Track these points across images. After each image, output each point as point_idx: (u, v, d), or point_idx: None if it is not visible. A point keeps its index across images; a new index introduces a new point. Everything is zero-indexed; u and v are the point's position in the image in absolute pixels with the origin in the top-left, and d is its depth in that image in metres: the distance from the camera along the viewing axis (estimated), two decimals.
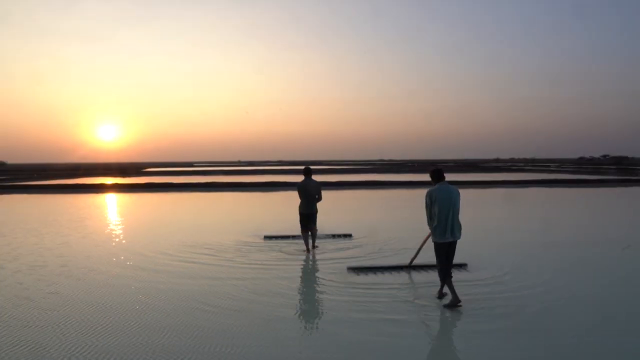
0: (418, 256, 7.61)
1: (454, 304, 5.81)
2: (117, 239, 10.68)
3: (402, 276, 7.28)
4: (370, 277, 7.18)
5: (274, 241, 10.03)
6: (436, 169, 6.26)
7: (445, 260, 6.05)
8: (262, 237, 10.38)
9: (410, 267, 7.65)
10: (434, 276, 6.86)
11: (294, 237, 10.24)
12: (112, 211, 17.32)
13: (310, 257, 8.62)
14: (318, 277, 7.26)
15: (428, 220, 6.15)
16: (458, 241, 6.04)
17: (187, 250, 9.10)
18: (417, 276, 7.26)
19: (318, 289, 6.72)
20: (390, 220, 13.83)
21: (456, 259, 6.23)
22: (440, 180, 6.17)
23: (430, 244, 6.31)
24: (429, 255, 6.85)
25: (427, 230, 6.38)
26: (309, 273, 7.70)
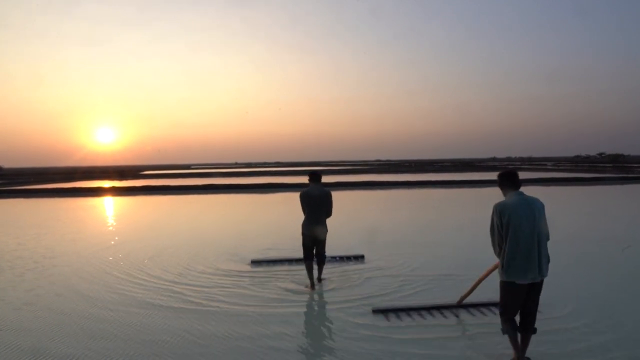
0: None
1: None
2: (57, 256, 7.62)
3: (450, 321, 4.45)
4: (405, 322, 4.47)
5: (264, 268, 6.97)
6: (508, 172, 3.56)
7: (519, 308, 3.53)
8: (249, 262, 7.29)
9: (459, 307, 4.85)
10: (492, 318, 4.47)
11: (290, 261, 7.25)
12: (86, 219, 14.31)
13: (316, 297, 5.61)
14: (333, 334, 4.30)
15: (494, 247, 3.54)
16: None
17: (137, 284, 6.10)
18: (471, 323, 4.33)
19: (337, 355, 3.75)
20: (402, 228, 10.89)
21: None
22: (513, 188, 3.51)
23: (491, 280, 3.65)
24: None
25: (481, 255, 3.64)
26: (317, 328, 4.63)
